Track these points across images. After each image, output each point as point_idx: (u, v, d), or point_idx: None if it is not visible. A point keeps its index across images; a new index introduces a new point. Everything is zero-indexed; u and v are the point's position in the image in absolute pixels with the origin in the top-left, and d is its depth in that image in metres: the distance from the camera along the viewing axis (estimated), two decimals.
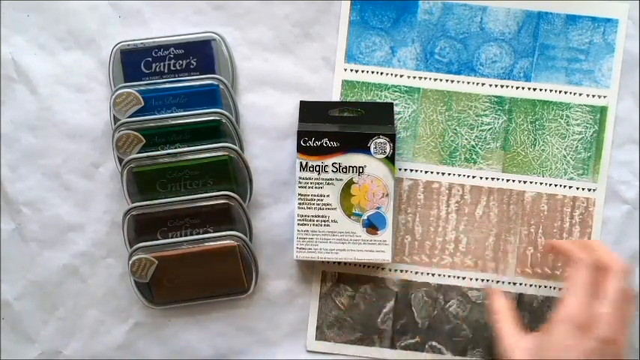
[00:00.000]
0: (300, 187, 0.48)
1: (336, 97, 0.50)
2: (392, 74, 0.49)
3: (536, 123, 0.50)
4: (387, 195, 0.47)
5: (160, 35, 0.51)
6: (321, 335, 0.51)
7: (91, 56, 0.52)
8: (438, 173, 0.50)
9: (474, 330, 0.50)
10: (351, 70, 0.50)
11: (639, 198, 0.52)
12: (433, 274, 0.50)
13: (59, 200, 0.52)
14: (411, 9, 0.49)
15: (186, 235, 0.50)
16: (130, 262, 0.49)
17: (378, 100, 0.50)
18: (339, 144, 0.48)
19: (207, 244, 0.49)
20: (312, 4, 0.51)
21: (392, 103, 0.49)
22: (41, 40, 0.52)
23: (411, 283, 0.50)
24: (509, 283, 0.50)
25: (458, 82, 0.49)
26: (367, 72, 0.49)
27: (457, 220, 0.50)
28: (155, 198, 0.50)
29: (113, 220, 0.52)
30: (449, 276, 0.50)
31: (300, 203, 0.48)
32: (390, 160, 0.47)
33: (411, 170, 0.50)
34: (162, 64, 0.51)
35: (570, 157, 0.50)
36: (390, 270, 0.50)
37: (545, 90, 0.50)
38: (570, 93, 0.50)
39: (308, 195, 0.48)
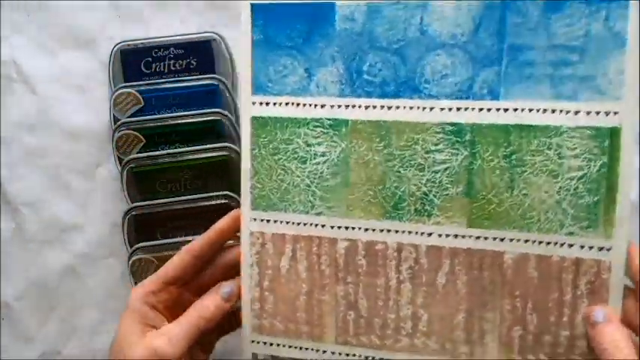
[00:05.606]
0: None
1: (245, 138, 0.39)
2: (310, 104, 0.37)
3: (513, 157, 0.35)
4: None
5: (160, 35, 0.51)
6: None
7: (91, 56, 0.52)
8: (381, 231, 0.37)
9: None
10: (261, 104, 0.38)
11: (639, 198, 0.52)
12: None
13: (59, 200, 0.52)
14: (327, 17, 0.36)
15: (186, 235, 0.50)
16: (130, 262, 0.49)
17: (297, 140, 0.38)
18: None
19: None
20: None
21: None
22: (41, 40, 0.52)
23: None
24: None
25: (397, 107, 0.36)
26: (280, 104, 0.38)
27: (413, 292, 0.37)
28: (155, 198, 0.50)
29: (113, 220, 0.52)
30: None
31: None
32: None
33: (346, 228, 0.38)
34: (162, 64, 0.51)
35: (567, 204, 0.34)
36: (333, 353, 0.39)
37: (522, 110, 0.35)
38: (560, 111, 0.34)
39: None
